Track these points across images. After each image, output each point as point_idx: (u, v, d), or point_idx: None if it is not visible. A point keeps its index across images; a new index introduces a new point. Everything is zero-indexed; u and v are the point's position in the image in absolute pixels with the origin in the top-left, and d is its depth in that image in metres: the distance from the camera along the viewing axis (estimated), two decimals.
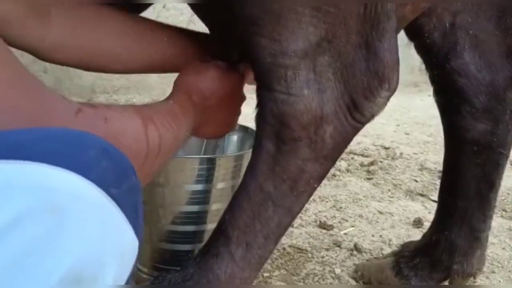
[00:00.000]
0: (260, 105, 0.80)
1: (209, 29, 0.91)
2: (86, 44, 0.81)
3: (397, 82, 0.77)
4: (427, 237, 1.05)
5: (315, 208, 1.52)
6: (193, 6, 0.86)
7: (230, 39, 0.86)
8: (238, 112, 0.93)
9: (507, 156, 0.96)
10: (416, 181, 1.79)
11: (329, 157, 0.81)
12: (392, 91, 0.77)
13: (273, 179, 0.82)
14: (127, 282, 0.48)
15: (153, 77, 2.88)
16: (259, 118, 0.81)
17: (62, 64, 0.83)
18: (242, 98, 0.92)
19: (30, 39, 0.74)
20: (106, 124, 0.58)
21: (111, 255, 0.43)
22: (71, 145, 0.45)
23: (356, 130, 0.80)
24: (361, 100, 0.77)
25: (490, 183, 0.97)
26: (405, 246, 1.12)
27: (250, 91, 0.85)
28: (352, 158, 1.99)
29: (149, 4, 0.99)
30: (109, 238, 0.44)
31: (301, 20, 0.70)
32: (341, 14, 0.70)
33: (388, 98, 0.78)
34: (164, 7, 2.81)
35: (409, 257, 1.06)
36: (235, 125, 0.95)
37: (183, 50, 0.90)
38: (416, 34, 0.95)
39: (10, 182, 0.39)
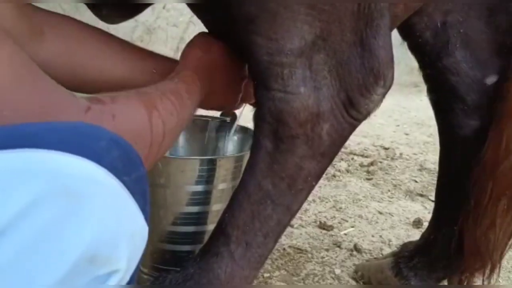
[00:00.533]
0: (258, 104, 0.81)
1: (208, 30, 0.92)
2: (78, 63, 0.84)
3: (392, 79, 0.77)
4: (425, 236, 1.05)
5: (315, 208, 1.53)
6: (191, 6, 0.87)
7: (228, 39, 0.87)
8: (240, 90, 0.94)
9: None
10: (416, 181, 1.79)
11: (326, 154, 0.82)
12: (388, 87, 0.78)
13: (271, 177, 0.82)
14: (133, 278, 0.50)
15: None
16: (257, 117, 0.82)
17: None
18: (244, 76, 0.93)
19: None
20: (114, 121, 0.59)
21: (124, 237, 0.45)
22: (83, 135, 0.47)
23: (352, 127, 0.81)
24: (357, 97, 0.78)
25: None
26: (404, 246, 1.13)
27: None
28: (352, 159, 1.99)
29: (148, 5, 1.00)
30: (122, 221, 0.46)
31: (296, 18, 0.71)
32: (336, 12, 0.71)
33: (383, 95, 0.79)
34: (164, 7, 2.83)
35: (408, 257, 1.07)
36: (237, 101, 0.97)
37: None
38: (408, 33, 0.96)
39: (26, 168, 0.41)
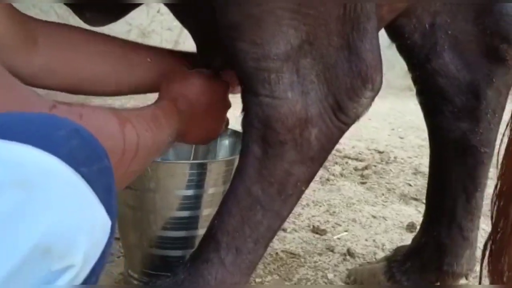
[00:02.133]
0: (245, 109, 0.81)
1: (192, 36, 0.91)
2: (73, 69, 0.84)
3: (381, 82, 0.77)
4: (417, 240, 1.05)
5: (308, 212, 1.52)
6: (176, 14, 0.87)
7: (212, 45, 0.87)
8: (223, 119, 0.94)
9: (491, 155, 0.97)
10: (410, 185, 1.79)
11: (315, 159, 0.81)
12: (376, 91, 0.77)
13: (260, 182, 0.82)
14: (97, 279, 0.48)
15: None
16: (245, 122, 0.81)
17: (49, 89, 0.85)
18: (227, 105, 0.93)
19: (17, 66, 0.77)
20: (81, 119, 0.59)
21: (81, 230, 0.44)
22: (40, 125, 0.46)
23: (341, 132, 0.81)
24: (345, 101, 0.77)
25: (476, 183, 0.97)
26: (397, 250, 1.12)
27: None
28: (346, 163, 1.99)
29: (137, 5, 0.99)
30: (78, 213, 0.44)
31: (281, 23, 0.70)
32: (321, 16, 0.70)
33: (372, 98, 0.78)
34: (158, 11, 2.82)
35: (401, 261, 1.06)
36: (221, 131, 0.96)
37: (167, 70, 0.92)
38: (397, 35, 0.96)
39: None
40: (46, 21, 0.86)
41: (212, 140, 0.98)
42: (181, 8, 0.89)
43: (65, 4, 0.97)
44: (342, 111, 0.78)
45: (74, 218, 0.44)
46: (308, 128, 0.78)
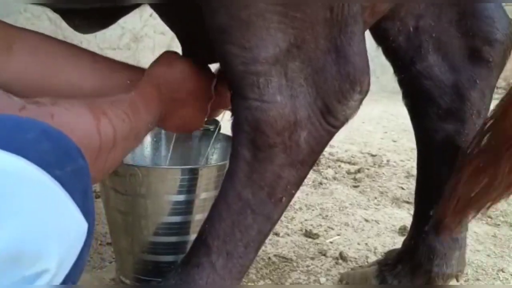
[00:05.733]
0: (235, 113, 0.81)
1: (179, 39, 0.91)
2: (46, 78, 0.84)
3: (369, 85, 0.77)
4: (406, 243, 1.06)
5: (301, 216, 1.52)
6: (162, 15, 0.87)
7: (199, 49, 0.87)
8: (205, 110, 0.93)
9: None
10: (403, 188, 1.79)
11: (305, 162, 0.81)
12: (364, 93, 0.78)
13: (250, 186, 0.82)
14: (76, 278, 0.48)
15: None
16: (235, 126, 0.81)
17: (22, 96, 0.85)
18: (211, 96, 0.92)
19: None
20: (53, 120, 0.58)
21: (54, 235, 0.43)
22: (8, 127, 0.44)
23: (330, 134, 0.81)
24: (334, 104, 0.77)
25: None
26: (388, 254, 1.13)
27: None
28: (339, 166, 1.99)
29: (125, 12, 0.99)
30: (50, 218, 0.43)
31: (269, 26, 0.71)
32: (308, 19, 0.71)
33: (360, 101, 0.79)
34: (151, 15, 2.82)
35: (392, 265, 1.07)
36: (201, 123, 0.96)
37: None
38: (382, 38, 0.97)
39: None
40: (22, 28, 0.86)
41: (192, 130, 0.98)
42: (168, 11, 0.89)
43: (54, 10, 0.97)
44: (331, 114, 0.78)
45: (44, 223, 0.42)
46: (297, 131, 0.78)
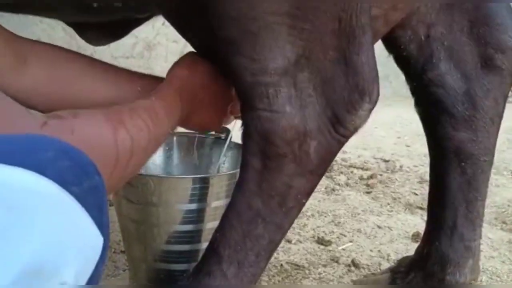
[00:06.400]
0: (245, 123, 0.81)
1: (193, 47, 0.92)
2: (61, 90, 0.85)
3: (378, 94, 0.77)
4: (419, 250, 1.05)
5: (313, 223, 1.52)
6: (173, 24, 0.88)
7: (213, 59, 0.88)
8: (225, 112, 0.94)
9: (491, 163, 0.97)
10: (416, 194, 1.78)
11: (315, 171, 0.82)
12: (374, 103, 0.78)
13: (261, 195, 0.82)
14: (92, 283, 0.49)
15: None
16: (245, 136, 0.82)
17: (41, 110, 0.87)
18: (231, 98, 0.93)
19: (6, 85, 0.78)
20: (73, 135, 0.59)
21: (72, 249, 0.44)
22: (28, 146, 0.46)
23: (340, 144, 0.81)
24: (343, 114, 0.78)
25: (476, 192, 0.97)
26: (401, 261, 1.12)
27: None
28: (352, 172, 1.98)
29: (134, 27, 1.00)
30: (69, 233, 0.44)
31: (277, 38, 0.71)
32: (316, 30, 0.71)
33: (370, 111, 0.79)
34: (163, 24, 2.84)
35: (404, 273, 1.06)
36: (221, 124, 0.98)
37: None
38: (393, 47, 0.97)
39: None
40: (36, 41, 0.87)
41: (212, 129, 1.00)
42: (179, 21, 0.90)
43: (67, 23, 0.98)
44: (341, 124, 0.78)
45: (63, 237, 0.44)
46: (307, 141, 0.79)
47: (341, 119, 0.78)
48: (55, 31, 2.76)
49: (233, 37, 0.72)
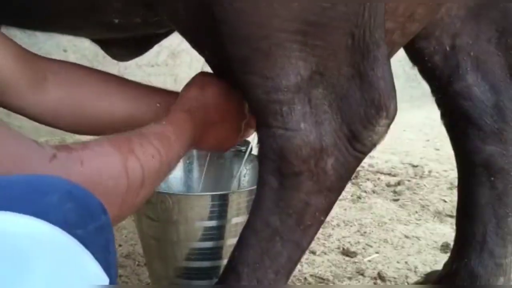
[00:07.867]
0: (260, 141, 0.80)
1: (210, 66, 0.92)
2: (81, 108, 0.85)
3: (395, 109, 0.75)
4: (448, 266, 1.01)
5: (338, 233, 1.49)
6: (192, 44, 0.88)
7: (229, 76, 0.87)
8: (239, 130, 0.92)
9: None
10: (445, 201, 1.73)
11: (333, 188, 0.80)
12: (391, 118, 0.75)
13: (278, 214, 0.81)
14: None
15: None
16: (261, 154, 0.81)
17: (61, 128, 0.87)
18: (244, 116, 0.91)
19: (25, 105, 0.79)
20: (82, 167, 0.59)
21: None
22: (33, 190, 0.46)
23: (358, 160, 0.79)
24: (360, 130, 0.75)
25: (507, 207, 0.93)
26: (428, 276, 1.09)
27: None
28: (379, 178, 1.94)
29: (155, 43, 1.01)
30: (71, 277, 0.44)
31: (290, 55, 0.70)
32: (329, 47, 0.69)
33: (388, 126, 0.76)
34: None
35: None
36: (236, 142, 0.95)
37: None
38: (417, 58, 0.94)
39: None
40: (53, 60, 0.88)
41: (227, 150, 0.97)
42: (195, 39, 0.89)
43: (92, 40, 0.99)
44: (358, 140, 0.76)
45: (66, 283, 0.43)
46: (323, 158, 0.77)
47: (358, 135, 0.76)
48: (81, 41, 2.80)
49: (245, 55, 0.71)
